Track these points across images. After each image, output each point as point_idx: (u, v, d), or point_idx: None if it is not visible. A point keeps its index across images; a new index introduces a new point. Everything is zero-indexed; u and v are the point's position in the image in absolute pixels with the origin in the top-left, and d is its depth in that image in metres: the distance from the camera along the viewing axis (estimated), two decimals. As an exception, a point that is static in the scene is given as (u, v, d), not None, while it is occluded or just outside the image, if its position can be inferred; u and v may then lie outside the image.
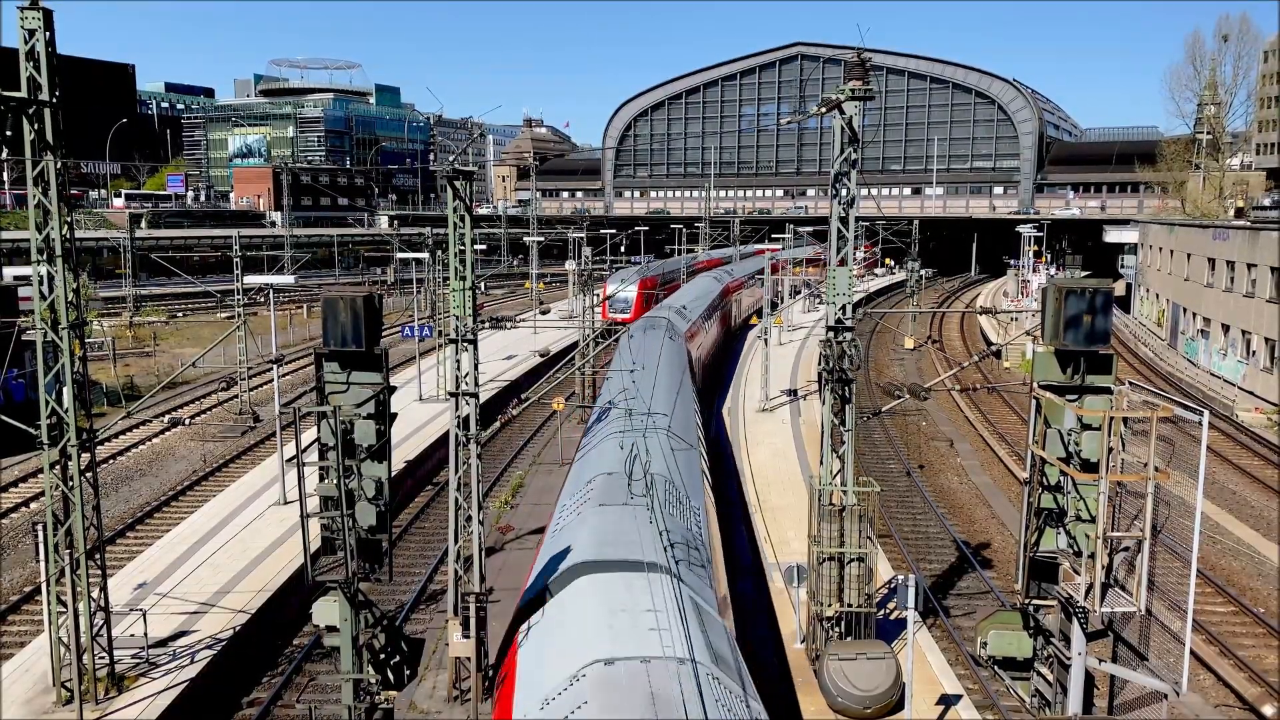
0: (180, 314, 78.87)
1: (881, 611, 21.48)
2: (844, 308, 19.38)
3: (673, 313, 44.58)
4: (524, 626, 12.62)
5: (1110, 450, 12.86)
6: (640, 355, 30.74)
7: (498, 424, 27.22)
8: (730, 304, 66.25)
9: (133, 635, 19.54)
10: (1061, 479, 14.10)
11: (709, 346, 51.78)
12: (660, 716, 8.82)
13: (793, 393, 45.45)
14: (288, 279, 33.50)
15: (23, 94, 15.96)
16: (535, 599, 13.25)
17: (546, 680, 10.24)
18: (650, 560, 12.55)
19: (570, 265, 78.47)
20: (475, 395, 19.06)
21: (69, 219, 16.79)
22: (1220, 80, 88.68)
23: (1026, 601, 15.29)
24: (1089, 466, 13.58)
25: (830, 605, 19.23)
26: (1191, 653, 18.76)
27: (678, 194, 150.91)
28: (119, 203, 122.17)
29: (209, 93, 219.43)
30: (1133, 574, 13.22)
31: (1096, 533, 13.09)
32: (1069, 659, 14.17)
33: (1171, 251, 66.89)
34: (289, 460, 28.89)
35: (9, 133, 16.31)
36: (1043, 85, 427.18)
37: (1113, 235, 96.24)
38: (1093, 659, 14.24)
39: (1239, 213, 68.50)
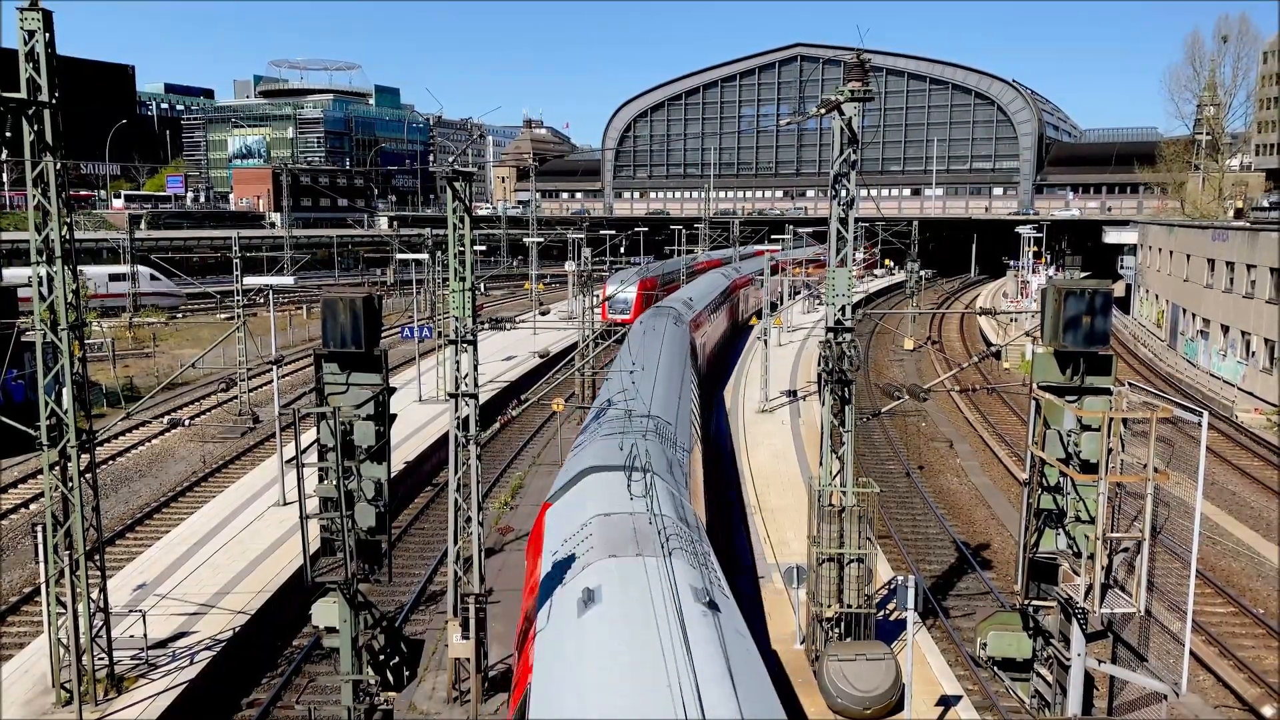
0: (180, 315, 78.86)
1: (881, 612, 21.47)
2: (843, 309, 19.39)
3: (680, 303, 48.22)
4: (551, 507, 18.16)
5: (1110, 451, 12.87)
6: (646, 341, 34.79)
7: (497, 425, 27.23)
8: (737, 299, 68.08)
9: (132, 636, 19.53)
10: (1061, 480, 14.11)
11: (715, 336, 55.80)
12: (639, 539, 13.88)
13: (792, 394, 45.46)
14: (287, 280, 33.47)
15: (22, 95, 15.97)
16: (558, 491, 18.96)
17: (566, 529, 15.86)
18: (638, 465, 17.38)
19: (570, 266, 78.49)
20: (475, 396, 19.06)
21: (68, 220, 16.80)
22: (1219, 81, 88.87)
23: (1026, 602, 15.29)
24: (1088, 467, 13.58)
25: (830, 606, 19.23)
26: (1191, 653, 18.75)
27: (677, 195, 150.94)
28: (118, 203, 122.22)
29: (208, 94, 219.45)
30: (1132, 575, 13.23)
31: (1096, 533, 13.10)
32: (1068, 660, 14.17)
33: (1171, 252, 66.91)
34: (289, 461, 28.84)
35: (9, 134, 16.31)
36: (1042, 86, 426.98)
37: (1112, 236, 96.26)
38: (1092, 660, 14.25)
39: (1238, 213, 68.53)
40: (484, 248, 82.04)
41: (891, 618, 21.72)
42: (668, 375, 30.10)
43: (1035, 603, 15.12)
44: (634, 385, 25.37)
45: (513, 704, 12.31)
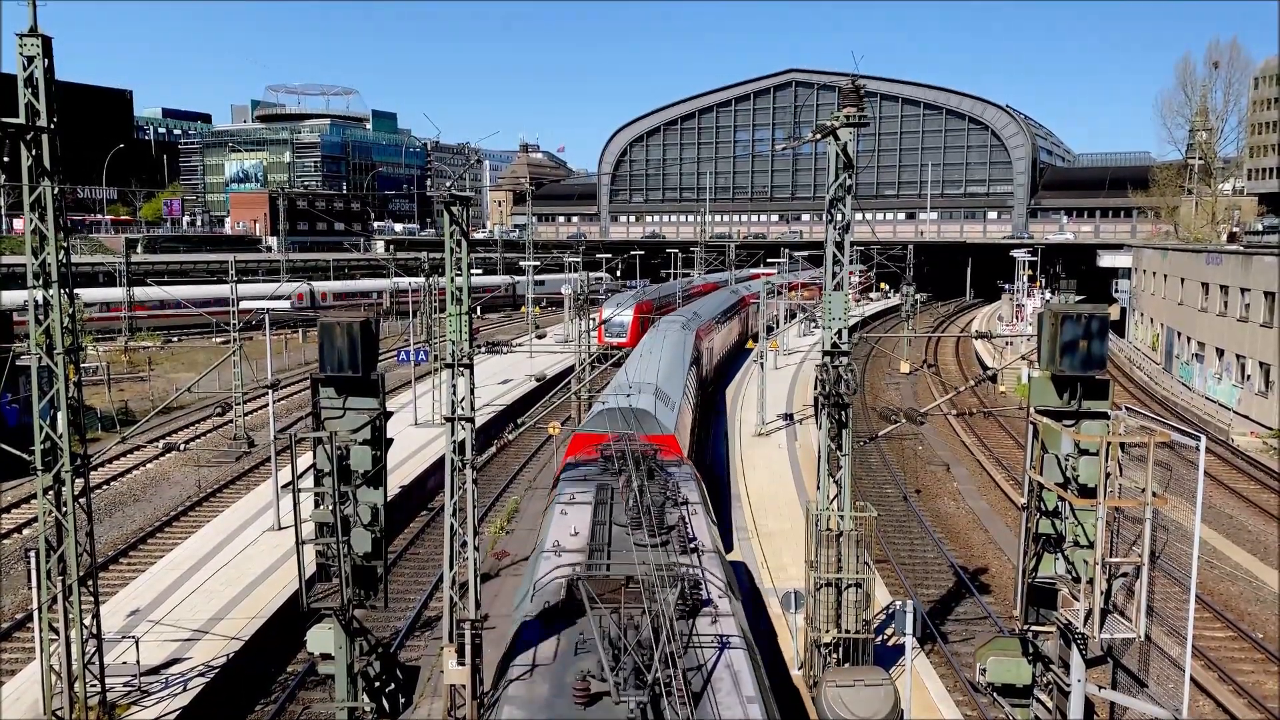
0: (175, 338, 78.75)
1: (879, 638, 21.36)
2: (840, 332, 19.41)
3: (737, 282, 67.13)
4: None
5: (1108, 475, 12.85)
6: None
7: (493, 449, 27.16)
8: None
9: (125, 663, 19.38)
10: (1059, 504, 14.07)
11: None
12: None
13: (789, 417, 45.38)
14: (284, 304, 33.49)
15: (21, 120, 16.01)
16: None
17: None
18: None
19: (566, 290, 78.55)
20: (471, 420, 19.01)
21: (65, 244, 16.81)
22: (1211, 106, 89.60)
23: (1025, 628, 15.21)
24: (1086, 491, 13.55)
25: (828, 631, 19.13)
26: (1191, 679, 18.67)
27: (673, 219, 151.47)
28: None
29: (206, 118, 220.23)
30: (1132, 600, 13.19)
31: (1095, 558, 13.05)
32: (1068, 686, 14.09)
33: (1165, 276, 67.15)
34: (284, 486, 28.75)
35: (7, 159, 16.35)
36: (1035, 111, 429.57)
37: (1106, 260, 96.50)
38: (1092, 686, 14.16)
39: (1231, 237, 68.88)
40: (480, 270, 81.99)
41: (890, 643, 21.60)
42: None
43: (1034, 628, 15.03)
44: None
45: None
